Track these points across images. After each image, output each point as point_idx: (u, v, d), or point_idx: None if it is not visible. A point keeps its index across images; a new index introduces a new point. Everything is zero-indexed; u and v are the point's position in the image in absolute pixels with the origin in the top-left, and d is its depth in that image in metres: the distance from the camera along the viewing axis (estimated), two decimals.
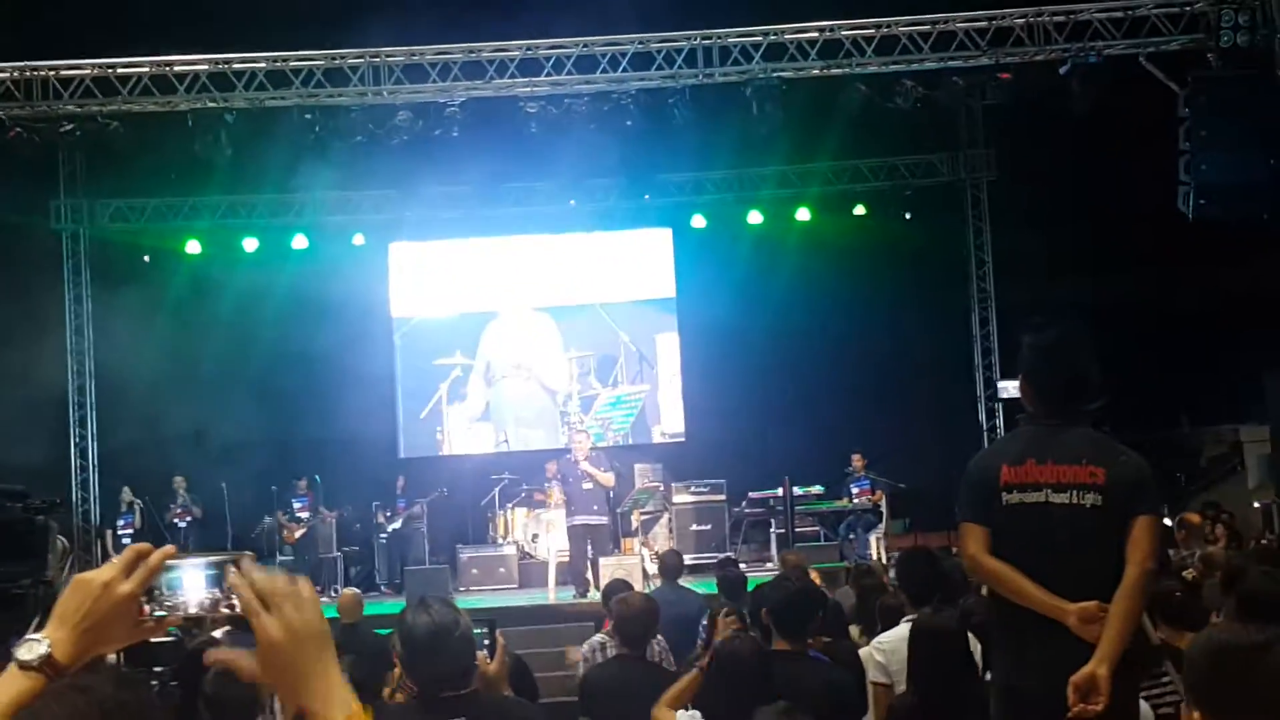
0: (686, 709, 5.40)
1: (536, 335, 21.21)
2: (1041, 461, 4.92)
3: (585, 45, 15.84)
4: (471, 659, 4.44)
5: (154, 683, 4.46)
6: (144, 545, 2.40)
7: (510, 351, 21.18)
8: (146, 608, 2.40)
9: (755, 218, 20.63)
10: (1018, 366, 5.30)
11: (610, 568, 15.29)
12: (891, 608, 7.42)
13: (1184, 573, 8.85)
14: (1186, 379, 19.44)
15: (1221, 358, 18.83)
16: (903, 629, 6.77)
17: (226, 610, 2.84)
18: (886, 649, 6.90)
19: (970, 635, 6.10)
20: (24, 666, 2.25)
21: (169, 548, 2.43)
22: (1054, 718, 4.73)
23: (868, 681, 6.99)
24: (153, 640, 4.63)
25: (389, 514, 18.82)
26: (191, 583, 2.75)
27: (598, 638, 8.73)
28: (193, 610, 2.74)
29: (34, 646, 2.27)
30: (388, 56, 15.83)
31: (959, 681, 5.69)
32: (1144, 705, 5.26)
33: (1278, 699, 2.53)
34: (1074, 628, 4.68)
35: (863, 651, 7.16)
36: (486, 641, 4.67)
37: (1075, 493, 4.84)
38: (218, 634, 8.27)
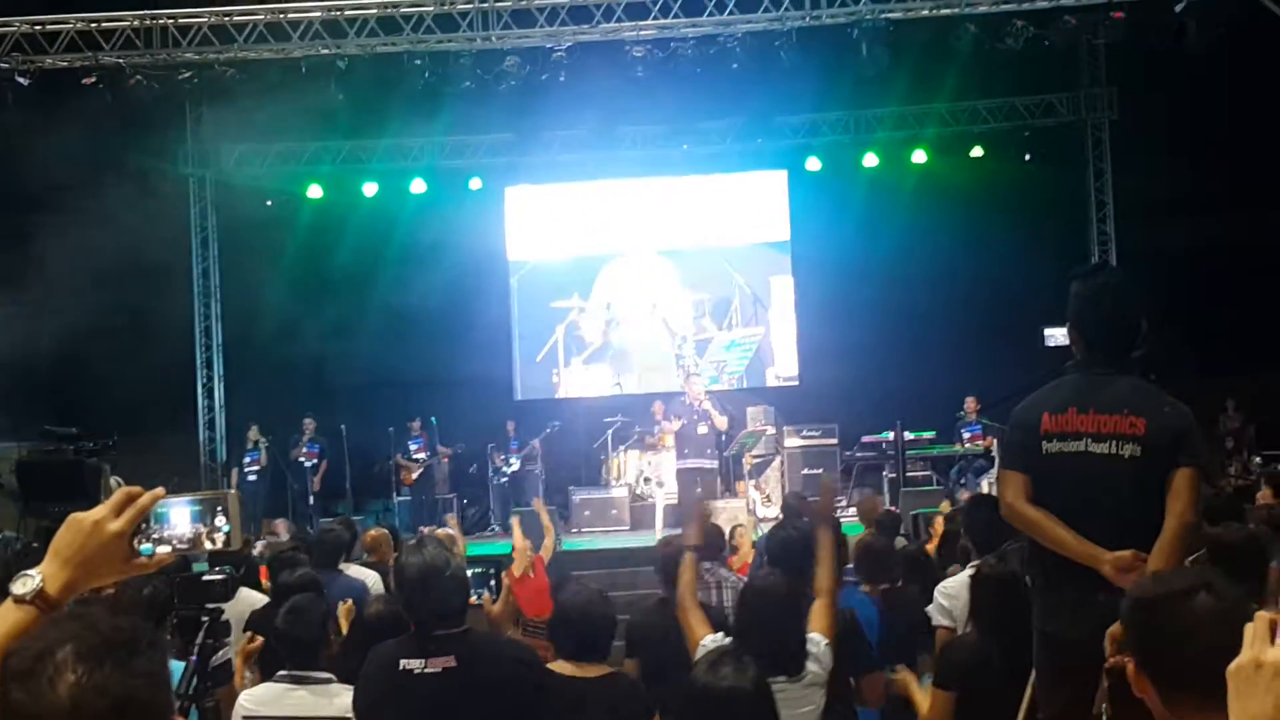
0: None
1: (660, 277, 21.29)
2: (1083, 410, 4.89)
3: None
4: (463, 598, 4.55)
5: (204, 619, 4.61)
6: (135, 488, 2.53)
7: (634, 293, 21.29)
8: (135, 541, 2.53)
9: (871, 160, 20.45)
10: (1067, 313, 5.24)
11: (715, 511, 15.37)
12: (958, 553, 7.43)
13: None
14: None
15: None
16: (965, 575, 6.79)
17: (209, 545, 2.98)
18: (950, 593, 6.93)
19: None
20: (18, 600, 2.39)
21: (159, 490, 2.56)
22: (1089, 665, 4.73)
23: (934, 625, 7.04)
24: (206, 578, 4.79)
25: (505, 457, 19.05)
26: (178, 518, 2.89)
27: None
28: (178, 545, 2.89)
29: (27, 581, 2.41)
30: (496, 2, 15.92)
31: (1019, 627, 5.71)
32: None
33: (1201, 646, 2.53)
34: (1109, 576, 4.65)
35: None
36: (492, 583, 4.79)
37: (1115, 443, 4.81)
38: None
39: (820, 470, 18.21)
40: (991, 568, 6.21)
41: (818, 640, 5.26)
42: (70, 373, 17.28)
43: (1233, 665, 2.11)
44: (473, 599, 4.81)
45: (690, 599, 5.61)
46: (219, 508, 2.97)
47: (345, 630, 6.74)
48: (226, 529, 3.03)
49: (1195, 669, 2.51)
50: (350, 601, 6.93)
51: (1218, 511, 6.99)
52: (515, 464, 19.03)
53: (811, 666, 5.16)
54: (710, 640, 5.28)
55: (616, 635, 5.77)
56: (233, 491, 2.99)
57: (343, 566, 8.73)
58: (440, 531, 11.32)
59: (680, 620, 5.55)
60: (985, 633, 5.91)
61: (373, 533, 10.62)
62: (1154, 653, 2.59)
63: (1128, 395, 4.86)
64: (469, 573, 4.83)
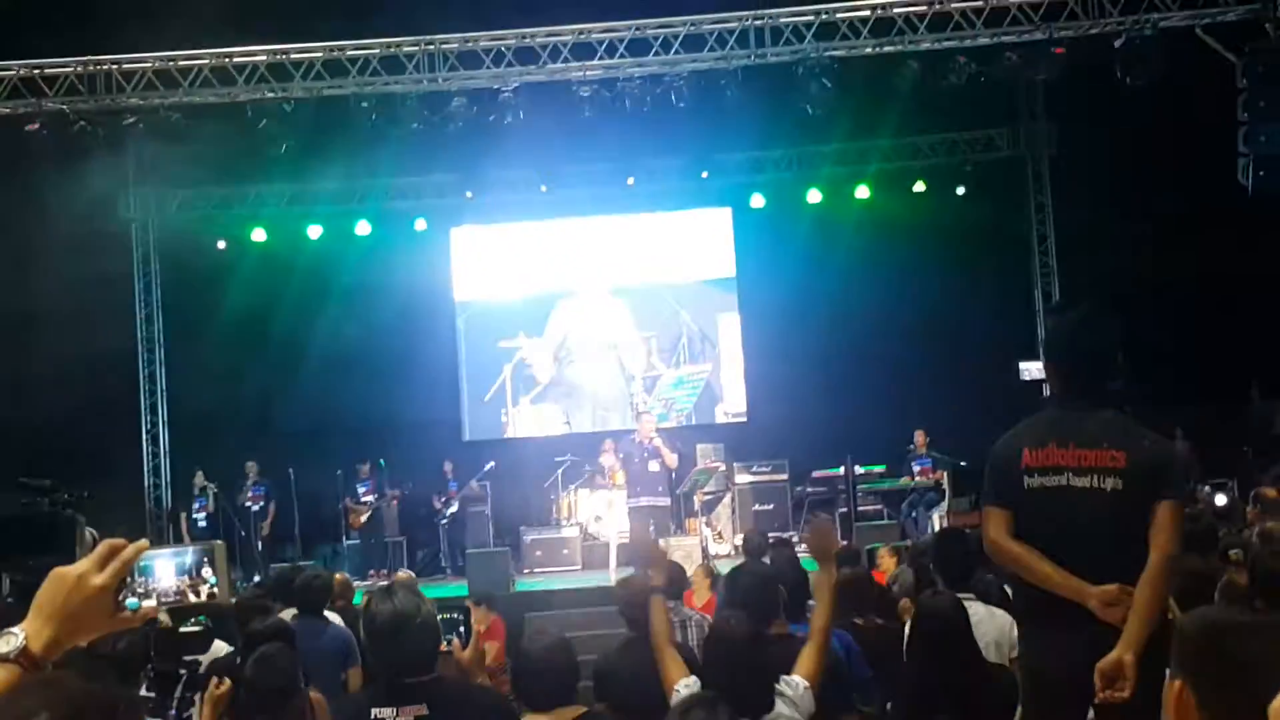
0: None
1: (616, 316, 21.32)
2: (1063, 445, 4.93)
3: (637, 28, 15.89)
4: (434, 646, 4.51)
5: (182, 672, 4.55)
6: (118, 540, 2.47)
7: (591, 331, 21.30)
8: (120, 595, 2.48)
9: (814, 196, 20.58)
10: (1042, 348, 5.30)
11: (670, 549, 15.37)
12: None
13: (1230, 553, 8.69)
14: (1257, 349, 19.19)
15: None
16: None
17: (194, 598, 2.95)
18: None
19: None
20: (1, 659, 2.33)
21: (143, 542, 2.51)
22: (1078, 701, 4.76)
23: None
24: (182, 631, 4.73)
25: (444, 499, 18.94)
26: (163, 571, 2.85)
27: None
28: (164, 598, 2.85)
29: (10, 639, 2.35)
30: (442, 44, 15.95)
31: (955, 662, 5.74)
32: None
33: (1264, 678, 2.55)
34: (1096, 610, 4.68)
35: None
36: (461, 629, 4.75)
37: (1096, 476, 4.85)
38: (286, 615, 8.43)
39: (771, 505, 18.31)
40: (930, 601, 6.22)
41: (797, 683, 5.23)
42: (10, 420, 17.05)
43: (1275, 703, 2.12)
44: (442, 645, 4.73)
45: (664, 641, 5.62)
46: (206, 559, 2.93)
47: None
48: (214, 581, 2.99)
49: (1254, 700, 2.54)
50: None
51: (1192, 541, 7.05)
52: (454, 507, 18.90)
53: (782, 709, 5.13)
54: (684, 685, 5.28)
55: (583, 676, 5.73)
56: (219, 543, 2.95)
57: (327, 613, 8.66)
58: (402, 574, 11.30)
59: (657, 662, 5.54)
60: (919, 666, 5.95)
61: (340, 576, 10.56)
62: (1216, 680, 2.59)
63: (1107, 429, 4.90)
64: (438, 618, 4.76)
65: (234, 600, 7.57)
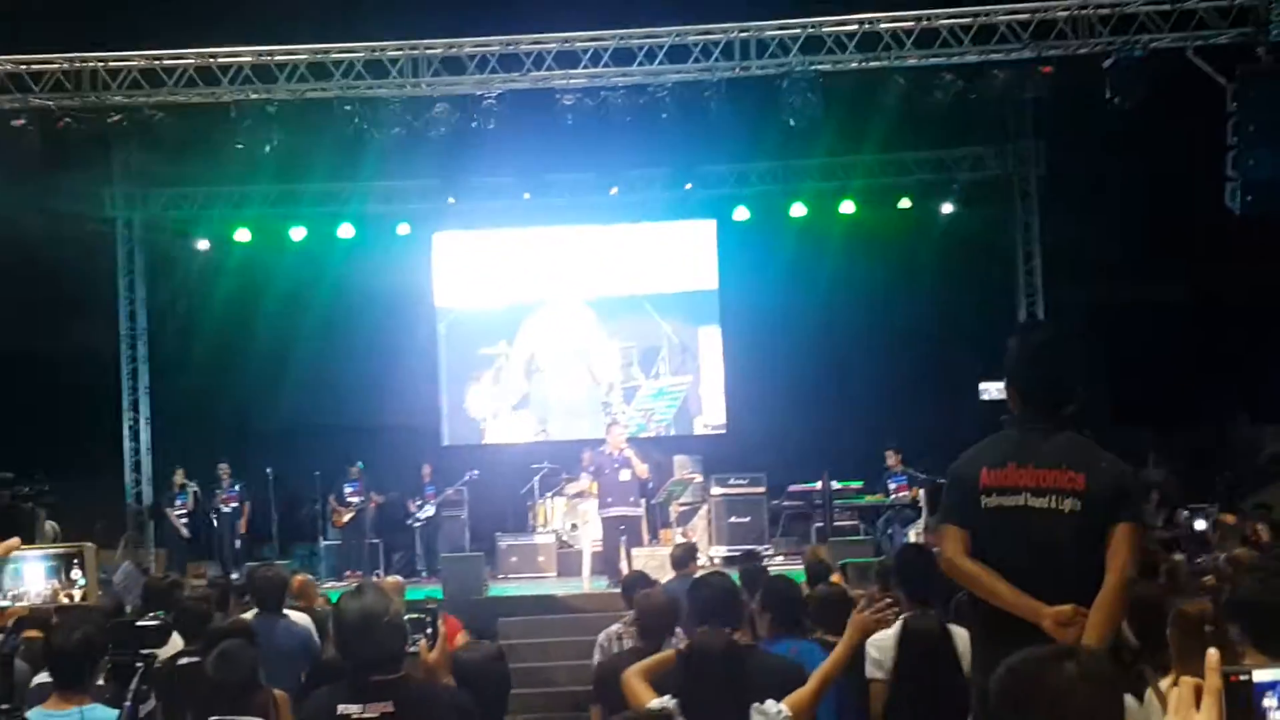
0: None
1: (585, 325, 21.29)
2: (1022, 465, 4.92)
3: (622, 38, 15.85)
4: (401, 645, 4.54)
5: (139, 665, 4.56)
6: None
7: (559, 341, 21.28)
8: None
9: (799, 210, 20.49)
10: (1004, 369, 5.27)
11: (643, 558, 15.40)
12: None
13: (1204, 578, 8.71)
14: (1247, 375, 19.19)
15: None
16: (896, 627, 6.81)
17: (65, 600, 2.92)
18: (882, 645, 6.93)
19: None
20: None
21: (13, 541, 2.49)
22: None
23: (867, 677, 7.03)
24: (139, 624, 4.74)
25: (419, 502, 18.93)
26: (32, 574, 2.83)
27: (615, 627, 8.79)
28: (34, 600, 2.83)
29: None
30: (426, 49, 15.92)
31: (939, 678, 5.73)
32: (1129, 699, 5.22)
33: (1067, 712, 2.52)
34: (1049, 630, 4.65)
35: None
36: (429, 630, 4.77)
37: (1054, 497, 4.83)
38: (248, 615, 8.42)
39: (748, 519, 18.22)
40: (917, 620, 6.23)
41: (776, 712, 5.14)
42: None
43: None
44: (409, 647, 4.77)
45: (638, 676, 5.58)
46: (75, 561, 2.90)
47: None
48: (83, 583, 2.96)
49: None
50: None
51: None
52: (430, 510, 18.90)
53: None
54: (657, 704, 5.23)
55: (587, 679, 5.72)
56: (89, 544, 2.93)
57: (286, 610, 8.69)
58: (390, 580, 11.35)
59: (625, 691, 5.51)
60: (907, 683, 5.94)
61: (300, 578, 10.55)
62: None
63: (1066, 450, 4.89)
64: (406, 619, 4.80)
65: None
